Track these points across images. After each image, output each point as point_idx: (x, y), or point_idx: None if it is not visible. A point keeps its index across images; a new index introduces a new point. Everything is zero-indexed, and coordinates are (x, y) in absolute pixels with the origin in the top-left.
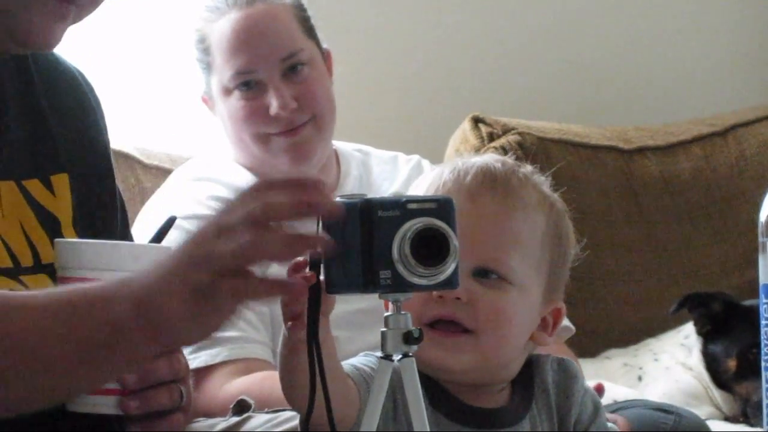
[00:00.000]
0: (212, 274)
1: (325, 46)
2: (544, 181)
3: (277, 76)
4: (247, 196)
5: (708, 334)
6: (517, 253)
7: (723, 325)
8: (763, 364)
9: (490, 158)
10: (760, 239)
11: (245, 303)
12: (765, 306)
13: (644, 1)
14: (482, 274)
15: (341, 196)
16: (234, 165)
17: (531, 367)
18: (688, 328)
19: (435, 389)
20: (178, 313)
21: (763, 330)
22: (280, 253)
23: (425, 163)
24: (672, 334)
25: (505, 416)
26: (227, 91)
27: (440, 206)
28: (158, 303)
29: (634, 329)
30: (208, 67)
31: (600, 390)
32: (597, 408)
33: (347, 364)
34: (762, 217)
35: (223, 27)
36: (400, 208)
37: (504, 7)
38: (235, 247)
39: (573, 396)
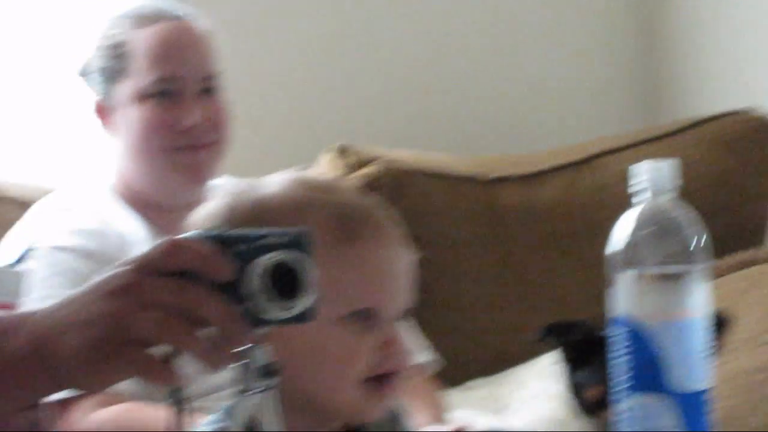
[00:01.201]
0: (123, 339)
1: None
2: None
3: (196, 92)
4: (172, 257)
5: (571, 363)
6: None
7: (586, 354)
8: (617, 394)
9: (361, 198)
10: (613, 270)
11: (145, 379)
12: (618, 337)
13: (503, 31)
14: (404, 316)
15: (196, 230)
16: (108, 194)
17: None
18: (552, 357)
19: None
20: (76, 361)
21: (613, 362)
22: (205, 361)
23: None
24: (536, 363)
25: None
26: (143, 98)
27: (296, 240)
28: (56, 344)
29: (498, 358)
30: (118, 73)
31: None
32: None
33: None
34: (615, 247)
35: (151, 34)
36: (255, 242)
37: (366, 35)
38: (160, 331)
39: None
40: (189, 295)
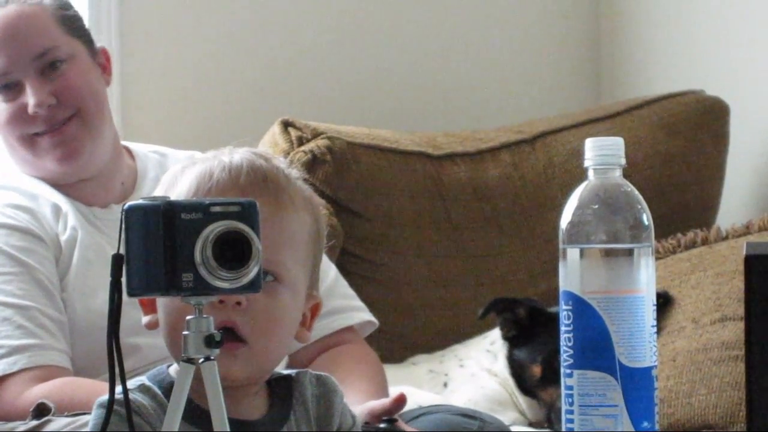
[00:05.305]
0: None
1: (99, 45)
2: (300, 176)
3: (32, 75)
4: None
5: (513, 340)
6: (290, 254)
7: (528, 331)
8: (563, 369)
9: (251, 154)
10: (561, 246)
11: None
12: (565, 312)
13: (453, 7)
14: None
15: (143, 198)
16: (24, 174)
17: (290, 381)
18: (494, 334)
19: (190, 403)
20: None
21: (563, 336)
22: None
23: None
24: (478, 340)
25: (263, 427)
26: None
27: (244, 209)
28: None
29: (441, 335)
30: None
31: (402, 400)
32: (354, 420)
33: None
34: (563, 224)
35: None
36: (203, 210)
37: (312, 11)
38: None
39: (333, 407)
40: None
